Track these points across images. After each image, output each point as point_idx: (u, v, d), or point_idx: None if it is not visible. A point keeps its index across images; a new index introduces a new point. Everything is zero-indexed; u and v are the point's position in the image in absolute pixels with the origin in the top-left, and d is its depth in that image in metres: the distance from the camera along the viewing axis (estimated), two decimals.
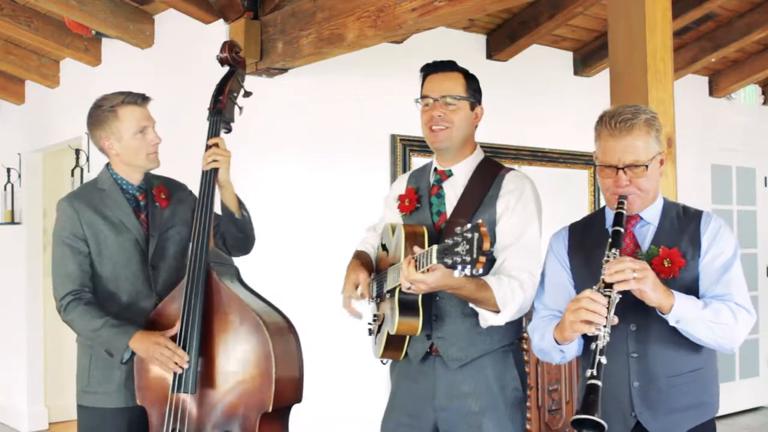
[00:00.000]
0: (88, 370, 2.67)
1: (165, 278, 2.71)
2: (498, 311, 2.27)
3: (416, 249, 2.16)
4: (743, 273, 2.11)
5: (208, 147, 2.67)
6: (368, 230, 2.78)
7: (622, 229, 2.04)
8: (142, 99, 2.70)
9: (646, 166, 2.05)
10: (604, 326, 1.92)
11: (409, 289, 2.16)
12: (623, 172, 2.05)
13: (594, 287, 1.97)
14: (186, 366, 2.48)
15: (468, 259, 1.88)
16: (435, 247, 2.01)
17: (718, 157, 6.41)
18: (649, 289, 1.93)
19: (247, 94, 2.86)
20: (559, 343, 2.09)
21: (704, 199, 6.15)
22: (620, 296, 1.94)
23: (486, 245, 1.87)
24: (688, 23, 4.96)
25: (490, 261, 2.36)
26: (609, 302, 1.93)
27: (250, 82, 4.12)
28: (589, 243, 2.17)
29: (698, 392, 2.10)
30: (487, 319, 2.29)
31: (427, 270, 2.09)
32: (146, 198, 2.74)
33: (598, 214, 2.27)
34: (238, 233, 2.77)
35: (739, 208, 6.58)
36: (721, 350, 2.07)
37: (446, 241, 1.96)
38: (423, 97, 2.47)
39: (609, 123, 2.06)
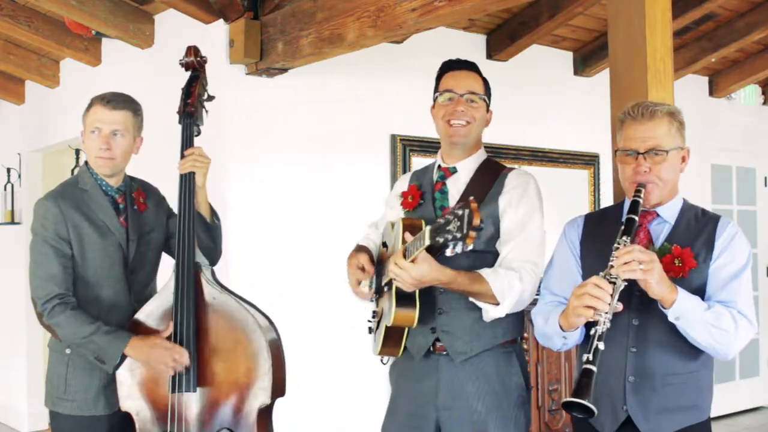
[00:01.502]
0: (65, 377, 2.59)
1: (142, 283, 2.70)
2: (497, 303, 2.28)
3: (407, 236, 2.17)
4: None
5: (183, 152, 2.68)
6: (370, 227, 2.79)
7: (636, 218, 2.05)
8: (108, 101, 2.64)
9: (666, 152, 2.08)
10: (606, 313, 1.92)
11: (396, 279, 2.17)
12: (643, 158, 2.08)
13: (601, 273, 1.97)
14: (187, 362, 2.48)
15: (459, 235, 1.89)
16: (427, 227, 2.03)
17: (718, 157, 6.41)
18: (654, 281, 1.94)
19: (210, 98, 2.88)
20: (563, 330, 2.09)
21: (704, 199, 6.14)
22: (625, 284, 1.95)
23: (476, 220, 1.87)
24: (688, 23, 4.96)
25: (494, 254, 2.37)
26: (614, 289, 1.94)
27: (251, 82, 4.14)
28: (603, 234, 2.17)
29: (691, 395, 2.11)
30: (489, 311, 2.31)
31: (413, 260, 2.10)
32: (125, 200, 2.71)
33: (616, 207, 2.29)
34: (208, 241, 2.73)
35: (739, 208, 6.58)
36: (716, 356, 2.07)
37: (438, 220, 1.97)
38: (445, 91, 2.47)
39: (632, 110, 2.13)
